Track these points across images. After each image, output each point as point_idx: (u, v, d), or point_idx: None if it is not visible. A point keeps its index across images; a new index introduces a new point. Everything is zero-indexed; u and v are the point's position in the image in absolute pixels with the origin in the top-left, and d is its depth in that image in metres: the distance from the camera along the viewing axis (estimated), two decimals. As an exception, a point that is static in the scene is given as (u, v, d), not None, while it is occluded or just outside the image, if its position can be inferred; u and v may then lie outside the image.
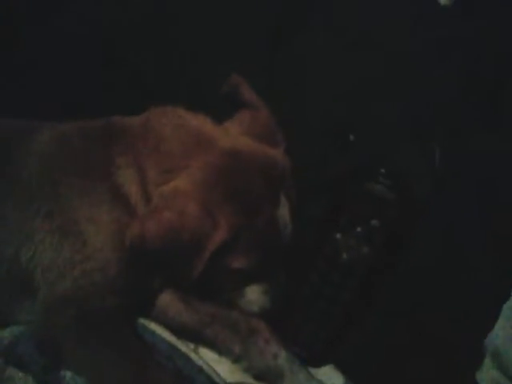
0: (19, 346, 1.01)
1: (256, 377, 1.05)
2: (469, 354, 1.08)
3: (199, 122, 1.06)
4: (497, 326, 1.08)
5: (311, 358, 1.09)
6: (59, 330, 0.98)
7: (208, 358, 1.05)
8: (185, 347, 1.05)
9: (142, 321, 1.06)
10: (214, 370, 1.04)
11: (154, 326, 1.06)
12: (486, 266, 1.11)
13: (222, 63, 1.20)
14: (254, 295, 1.06)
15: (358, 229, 1.05)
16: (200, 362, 1.04)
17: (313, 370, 1.07)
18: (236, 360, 1.05)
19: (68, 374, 0.99)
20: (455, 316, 1.10)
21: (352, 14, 1.23)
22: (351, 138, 1.09)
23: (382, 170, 1.05)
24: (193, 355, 1.04)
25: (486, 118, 1.20)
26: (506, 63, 1.21)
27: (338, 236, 1.07)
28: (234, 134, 1.05)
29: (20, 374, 1.00)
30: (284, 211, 1.03)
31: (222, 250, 0.97)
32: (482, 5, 1.23)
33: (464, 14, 1.22)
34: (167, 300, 1.08)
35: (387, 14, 1.22)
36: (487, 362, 1.07)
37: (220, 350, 1.07)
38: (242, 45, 1.23)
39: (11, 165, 1.05)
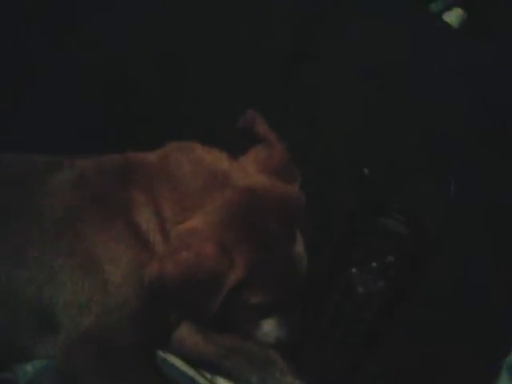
0: (42, 380, 1.04)
1: (272, 407, 1.07)
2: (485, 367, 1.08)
3: (215, 159, 1.07)
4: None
5: (327, 389, 1.10)
6: (80, 365, 1.01)
7: (225, 390, 1.08)
8: (202, 379, 1.08)
9: (161, 353, 1.09)
10: (231, 402, 1.07)
11: (172, 359, 1.09)
12: (501, 298, 1.12)
13: (236, 98, 1.21)
14: (270, 327, 1.08)
15: (374, 264, 1.06)
16: (217, 394, 1.07)
17: (328, 401, 1.10)
18: (253, 391, 1.08)
19: (89, 409, 1.02)
20: (470, 343, 1.11)
21: (364, 44, 1.23)
22: (365, 171, 1.10)
23: (395, 205, 1.06)
24: (210, 387, 1.07)
25: (499, 146, 1.20)
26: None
27: (354, 270, 1.08)
28: (249, 171, 1.07)
29: (43, 408, 1.03)
30: (299, 246, 1.05)
31: (238, 286, 0.99)
32: (493, 29, 1.23)
33: (475, 39, 1.22)
34: (185, 332, 1.10)
35: (400, 43, 1.22)
36: (503, 374, 1.08)
37: (237, 380, 1.09)
38: (255, 78, 1.24)
39: (31, 203, 1.07)
